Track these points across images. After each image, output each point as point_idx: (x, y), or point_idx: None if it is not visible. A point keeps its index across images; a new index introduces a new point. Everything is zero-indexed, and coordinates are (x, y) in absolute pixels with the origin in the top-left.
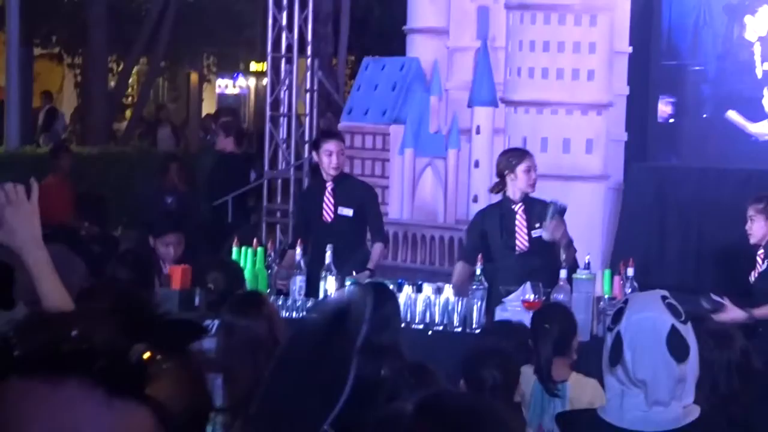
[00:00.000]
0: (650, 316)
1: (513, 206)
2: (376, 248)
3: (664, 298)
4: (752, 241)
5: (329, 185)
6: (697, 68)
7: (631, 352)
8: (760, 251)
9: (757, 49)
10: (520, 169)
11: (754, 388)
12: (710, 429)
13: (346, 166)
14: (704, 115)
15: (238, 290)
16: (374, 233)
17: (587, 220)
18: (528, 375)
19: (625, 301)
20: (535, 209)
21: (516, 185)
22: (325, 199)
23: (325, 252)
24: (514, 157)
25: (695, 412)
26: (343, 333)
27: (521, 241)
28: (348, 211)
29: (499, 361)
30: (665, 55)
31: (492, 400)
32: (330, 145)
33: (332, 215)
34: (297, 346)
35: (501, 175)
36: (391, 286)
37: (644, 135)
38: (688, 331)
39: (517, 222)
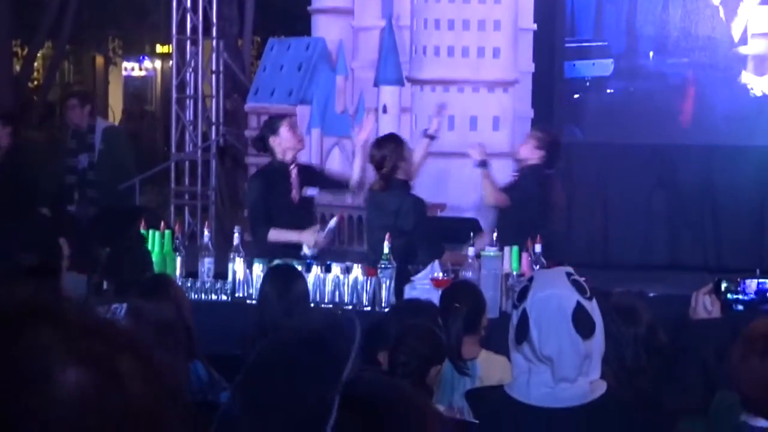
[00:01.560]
0: (555, 293)
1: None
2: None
3: (569, 274)
4: None
5: (293, 168)
6: (600, 44)
7: (537, 329)
8: None
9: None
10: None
11: (661, 362)
12: (616, 404)
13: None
14: (608, 91)
15: (145, 274)
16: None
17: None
18: None
19: (530, 279)
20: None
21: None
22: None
23: None
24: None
25: (602, 387)
26: (323, 364)
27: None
28: (313, 191)
29: (424, 336)
30: (569, 31)
31: (404, 381)
32: (292, 120)
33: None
34: (269, 366)
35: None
36: (299, 267)
37: (550, 111)
38: (593, 308)
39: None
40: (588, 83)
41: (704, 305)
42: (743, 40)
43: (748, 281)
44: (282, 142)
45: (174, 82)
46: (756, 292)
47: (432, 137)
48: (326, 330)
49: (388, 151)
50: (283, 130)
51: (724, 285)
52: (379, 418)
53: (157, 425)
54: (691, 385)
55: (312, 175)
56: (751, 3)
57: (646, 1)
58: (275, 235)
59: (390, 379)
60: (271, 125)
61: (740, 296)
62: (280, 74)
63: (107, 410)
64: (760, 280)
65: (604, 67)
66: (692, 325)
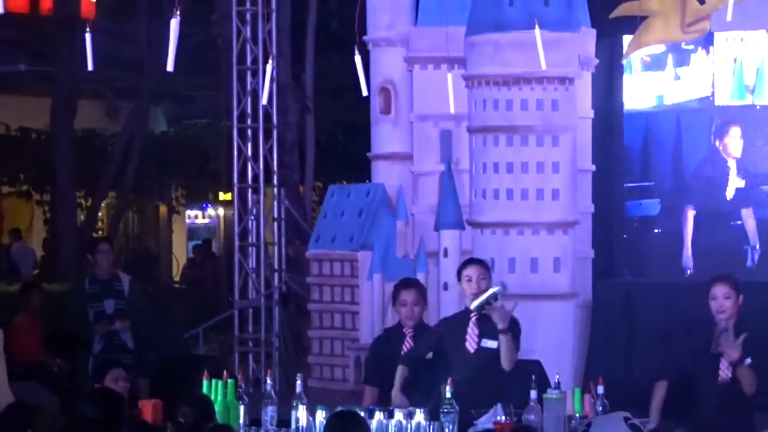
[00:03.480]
0: None
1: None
2: None
3: (626, 419)
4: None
5: (408, 332)
6: (649, 184)
7: None
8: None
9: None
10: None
11: None
12: None
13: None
14: (656, 230)
15: (208, 424)
16: None
17: (557, 339)
18: None
19: (588, 425)
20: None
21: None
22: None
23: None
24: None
25: None
26: None
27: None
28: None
29: None
30: (627, 173)
31: None
32: (403, 295)
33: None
34: None
35: None
36: (362, 413)
37: (610, 251)
38: None
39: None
40: (636, 223)
41: None
42: None
43: None
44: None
45: (236, 230)
46: None
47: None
48: None
49: None
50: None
51: None
52: None
53: None
54: None
55: None
56: None
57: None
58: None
59: None
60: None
61: None
62: (341, 220)
63: None
64: None
65: (652, 207)
66: None
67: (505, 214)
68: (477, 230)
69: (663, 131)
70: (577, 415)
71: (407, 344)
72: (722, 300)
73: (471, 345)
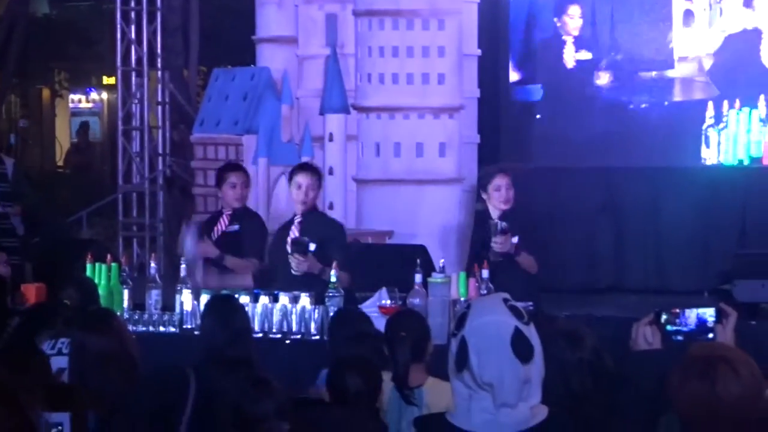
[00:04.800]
0: (493, 320)
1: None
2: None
3: (505, 300)
4: None
5: (297, 218)
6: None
7: (476, 356)
8: None
9: None
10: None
11: (607, 387)
12: (558, 429)
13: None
14: (538, 116)
15: (91, 306)
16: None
17: (442, 223)
18: (385, 381)
19: (468, 306)
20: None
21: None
22: (291, 232)
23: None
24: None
25: (543, 412)
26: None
27: None
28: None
29: (361, 369)
30: (515, 57)
31: (354, 407)
32: (300, 178)
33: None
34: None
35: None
36: (246, 297)
37: (497, 137)
38: (531, 332)
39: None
40: (525, 108)
41: (645, 336)
42: (670, 64)
43: (687, 312)
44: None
45: (120, 114)
46: (696, 324)
47: None
48: (154, 394)
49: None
50: (292, 182)
51: (663, 317)
52: None
53: None
54: (634, 415)
55: None
56: (677, 26)
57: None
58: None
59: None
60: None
61: (680, 327)
62: (225, 104)
63: None
64: (699, 312)
65: (535, 92)
66: (633, 355)
67: (390, 98)
68: (362, 114)
69: (545, 15)
70: (462, 298)
71: (293, 232)
72: (505, 191)
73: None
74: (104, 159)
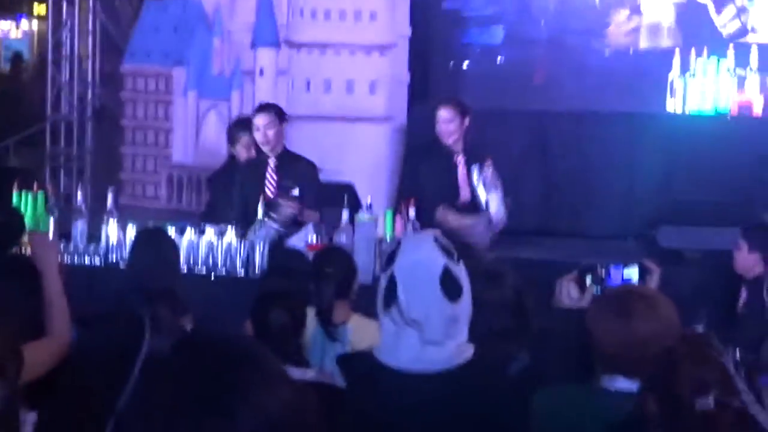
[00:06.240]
0: (423, 257)
1: None
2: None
3: (436, 238)
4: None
5: (271, 161)
6: (474, 14)
7: (405, 293)
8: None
9: None
10: None
11: (527, 326)
12: (483, 367)
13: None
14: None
15: (18, 234)
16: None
17: (371, 161)
18: (309, 317)
19: (399, 243)
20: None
21: None
22: (268, 175)
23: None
24: None
25: (469, 350)
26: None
27: None
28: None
29: (285, 304)
30: None
31: (279, 340)
32: (256, 119)
33: (275, 192)
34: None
35: None
36: (172, 230)
37: (426, 76)
38: (460, 271)
39: None
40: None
41: (569, 293)
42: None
43: (613, 272)
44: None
45: (50, 43)
46: (621, 283)
47: None
48: (110, 335)
49: None
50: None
51: (588, 278)
52: (220, 367)
53: None
54: (558, 372)
55: None
56: None
57: None
58: None
59: (234, 337)
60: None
61: (603, 287)
62: (156, 35)
63: None
64: (624, 273)
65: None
66: (557, 312)
67: (321, 34)
68: (293, 50)
69: None
70: (388, 237)
71: (270, 175)
72: (443, 124)
73: (270, 192)
74: (33, 88)
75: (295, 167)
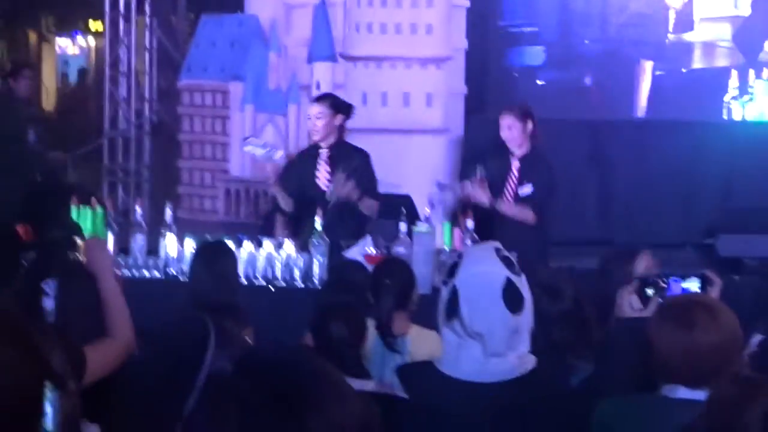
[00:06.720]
0: (485, 269)
1: None
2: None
3: (497, 250)
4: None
5: (323, 151)
6: (530, 29)
7: (467, 305)
8: None
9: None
10: None
11: (588, 336)
12: (545, 377)
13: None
14: (539, 82)
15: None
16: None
17: (428, 173)
18: (369, 329)
19: (460, 255)
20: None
21: None
22: (320, 165)
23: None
24: None
25: (531, 361)
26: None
27: None
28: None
29: (345, 316)
30: (505, 12)
31: (339, 353)
32: (309, 109)
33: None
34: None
35: None
36: (230, 243)
37: (483, 88)
38: (521, 283)
39: None
40: (517, 74)
41: (630, 304)
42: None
43: (672, 284)
44: None
45: (107, 60)
46: (682, 293)
47: None
48: (175, 344)
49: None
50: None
51: (650, 291)
52: (291, 383)
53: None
54: (620, 382)
55: None
56: None
57: None
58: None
59: (299, 351)
60: None
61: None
62: (213, 51)
63: None
64: (684, 285)
65: (536, 55)
66: (618, 322)
67: (378, 47)
68: (350, 63)
69: None
70: (447, 248)
71: (323, 165)
72: (507, 130)
73: (323, 183)
74: (91, 104)
75: (349, 157)
